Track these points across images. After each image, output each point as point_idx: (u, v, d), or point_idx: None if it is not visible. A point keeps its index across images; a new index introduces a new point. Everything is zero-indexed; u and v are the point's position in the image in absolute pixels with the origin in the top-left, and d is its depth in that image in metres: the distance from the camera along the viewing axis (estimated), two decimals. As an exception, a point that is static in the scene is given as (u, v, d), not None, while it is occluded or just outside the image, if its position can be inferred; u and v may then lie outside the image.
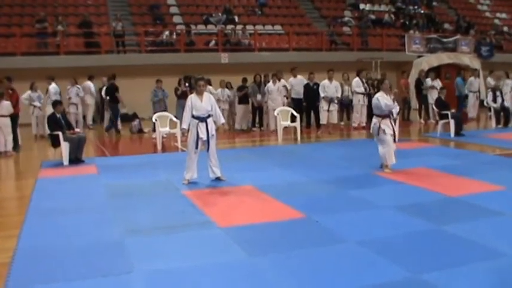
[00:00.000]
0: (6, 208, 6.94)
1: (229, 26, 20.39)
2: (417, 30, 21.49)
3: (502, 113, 14.72)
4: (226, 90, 15.30)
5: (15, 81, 12.65)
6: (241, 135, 14.17)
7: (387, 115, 8.45)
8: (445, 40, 20.08)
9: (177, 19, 20.95)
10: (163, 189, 7.53)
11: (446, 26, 24.12)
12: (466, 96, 17.15)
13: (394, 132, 8.45)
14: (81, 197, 7.12)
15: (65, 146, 9.66)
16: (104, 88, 15.31)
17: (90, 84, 16.11)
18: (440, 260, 4.45)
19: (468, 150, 10.84)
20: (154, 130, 12.84)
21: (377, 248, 4.77)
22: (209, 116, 7.76)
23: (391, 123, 8.47)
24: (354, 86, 14.77)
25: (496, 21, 26.71)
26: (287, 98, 14.81)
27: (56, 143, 9.88)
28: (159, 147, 11.75)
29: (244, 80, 15.28)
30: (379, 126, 8.38)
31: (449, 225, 5.42)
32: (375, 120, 8.55)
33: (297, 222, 5.73)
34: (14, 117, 11.46)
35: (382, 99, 8.39)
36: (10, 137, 11.24)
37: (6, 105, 11.20)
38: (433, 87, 15.83)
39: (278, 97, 14.46)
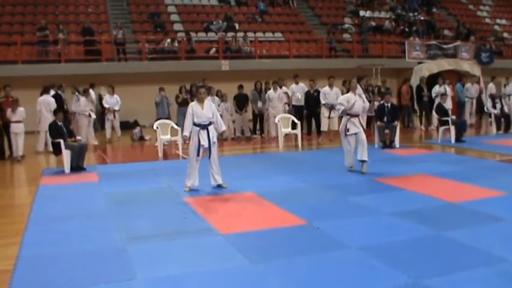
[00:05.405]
0: (8, 215, 6.93)
1: (230, 34, 20.48)
2: (417, 37, 21.56)
3: (502, 119, 14.74)
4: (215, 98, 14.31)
5: (18, 89, 12.69)
6: (242, 142, 14.18)
7: (355, 114, 8.80)
8: (445, 46, 20.15)
9: (177, 27, 21.03)
10: (165, 197, 7.54)
11: (446, 32, 24.22)
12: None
13: (362, 127, 8.86)
14: (83, 205, 7.13)
15: (66, 154, 9.69)
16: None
17: (91, 92, 16.08)
18: (441, 265, 4.46)
19: (469, 156, 10.84)
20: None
21: (378, 254, 4.77)
22: (210, 123, 7.78)
23: (359, 121, 8.84)
24: None
25: (496, 27, 26.81)
26: (288, 105, 14.83)
27: (57, 151, 9.92)
28: (161, 154, 11.77)
29: (240, 87, 14.78)
30: (346, 126, 8.78)
31: (450, 231, 5.42)
32: (344, 119, 8.93)
33: (298, 229, 5.74)
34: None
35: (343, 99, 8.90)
36: (22, 142, 11.45)
37: (21, 112, 11.35)
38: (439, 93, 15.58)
39: (279, 104, 14.48)
